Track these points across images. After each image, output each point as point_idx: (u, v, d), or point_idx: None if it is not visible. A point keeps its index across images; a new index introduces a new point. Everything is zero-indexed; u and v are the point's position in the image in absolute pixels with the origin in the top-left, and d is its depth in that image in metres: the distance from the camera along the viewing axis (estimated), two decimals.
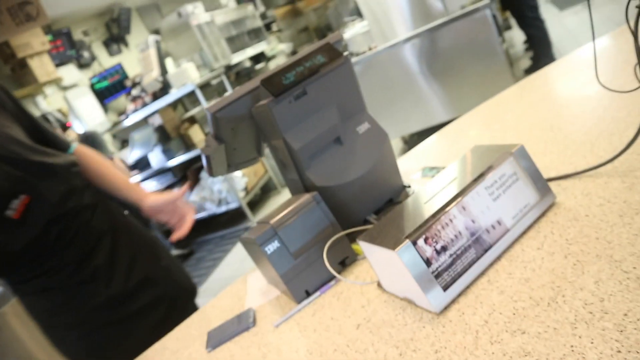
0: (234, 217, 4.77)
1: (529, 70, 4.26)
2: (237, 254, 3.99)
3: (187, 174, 4.70)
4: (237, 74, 6.05)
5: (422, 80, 3.70)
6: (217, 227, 4.84)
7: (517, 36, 5.69)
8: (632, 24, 0.66)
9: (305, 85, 0.89)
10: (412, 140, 4.29)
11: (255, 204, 4.90)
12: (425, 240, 0.64)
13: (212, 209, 4.53)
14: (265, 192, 5.05)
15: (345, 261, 0.89)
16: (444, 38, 3.49)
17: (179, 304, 1.38)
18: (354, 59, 3.78)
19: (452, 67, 3.57)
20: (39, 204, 1.08)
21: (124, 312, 1.25)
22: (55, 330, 1.24)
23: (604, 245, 0.60)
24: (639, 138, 0.72)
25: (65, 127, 3.00)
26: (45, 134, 1.24)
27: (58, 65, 4.50)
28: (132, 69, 5.47)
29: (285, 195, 4.74)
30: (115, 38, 5.57)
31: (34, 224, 1.08)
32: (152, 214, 1.32)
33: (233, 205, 4.40)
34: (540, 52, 4.14)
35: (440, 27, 3.44)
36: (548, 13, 6.09)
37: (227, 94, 0.94)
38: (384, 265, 0.70)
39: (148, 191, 1.34)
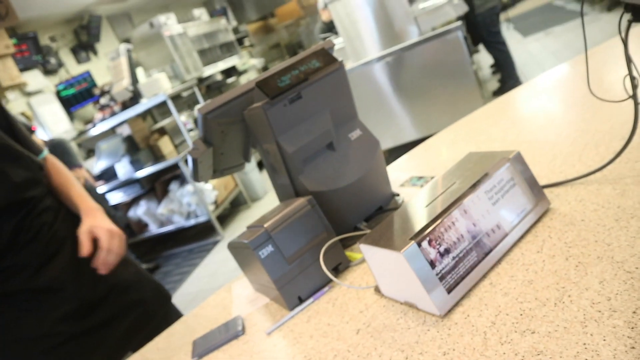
0: (203, 231, 4.67)
1: (497, 92, 4.41)
2: (207, 268, 3.89)
3: (155, 186, 4.58)
4: (208, 87, 6.00)
5: (394, 98, 3.77)
6: (184, 240, 4.72)
7: (484, 59, 5.90)
8: (623, 34, 0.68)
9: (300, 89, 0.89)
10: (385, 157, 4.34)
11: (225, 218, 4.82)
12: (429, 242, 0.64)
13: (180, 222, 4.43)
14: (234, 206, 4.98)
15: (339, 267, 0.88)
16: (415, 58, 3.57)
17: (152, 308, 1.33)
18: None
19: (423, 86, 3.65)
20: (1, 179, 1.08)
21: (94, 321, 1.19)
22: (12, 349, 1.14)
23: (603, 248, 0.61)
24: (627, 147, 0.75)
25: (30, 130, 2.87)
26: (19, 135, 1.21)
27: (22, 70, 4.34)
28: (101, 78, 5.34)
29: (255, 210, 4.69)
30: (84, 45, 5.42)
31: None
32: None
33: (202, 219, 4.31)
34: (506, 73, 4.29)
35: (412, 47, 3.52)
36: (512, 39, 6.36)
37: (199, 105, 0.92)
38: (385, 268, 0.69)
39: (94, 211, 1.24)
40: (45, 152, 1.28)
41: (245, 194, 4.84)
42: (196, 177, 1.09)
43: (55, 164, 1.30)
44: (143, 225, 4.67)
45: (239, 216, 4.74)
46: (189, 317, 1.06)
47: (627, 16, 0.68)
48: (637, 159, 0.78)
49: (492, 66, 5.20)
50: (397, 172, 1.25)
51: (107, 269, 1.17)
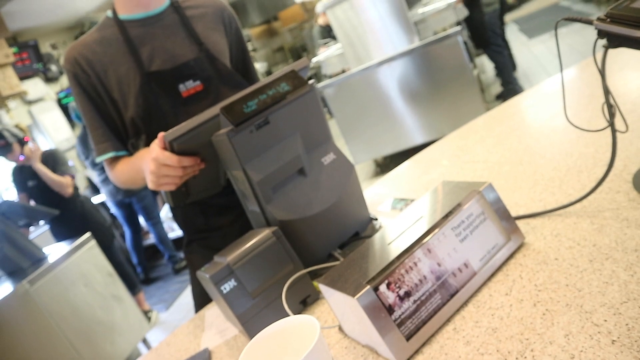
0: None
1: (500, 96, 4.35)
2: None
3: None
4: None
5: (395, 103, 3.72)
6: None
7: (488, 62, 5.82)
8: (599, 63, 0.64)
9: (267, 114, 0.85)
10: (385, 163, 4.29)
11: None
12: (388, 285, 0.60)
13: None
14: None
15: (307, 300, 0.84)
16: (416, 62, 3.52)
17: None
18: (327, 81, 3.78)
19: (424, 91, 3.60)
20: (208, 96, 1.11)
21: None
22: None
23: (574, 294, 0.57)
24: (607, 176, 0.71)
25: (22, 141, 2.87)
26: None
27: (23, 78, 4.35)
28: None
29: None
30: None
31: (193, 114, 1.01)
32: None
33: None
34: (503, 77, 4.24)
35: (413, 51, 3.47)
36: (517, 41, 6.28)
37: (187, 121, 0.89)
38: (344, 310, 0.65)
39: None
40: None
41: None
42: (169, 201, 1.06)
43: None
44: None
45: None
46: (162, 345, 1.03)
47: (601, 42, 0.64)
48: (618, 189, 0.74)
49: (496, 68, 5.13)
50: (382, 190, 1.21)
51: None
